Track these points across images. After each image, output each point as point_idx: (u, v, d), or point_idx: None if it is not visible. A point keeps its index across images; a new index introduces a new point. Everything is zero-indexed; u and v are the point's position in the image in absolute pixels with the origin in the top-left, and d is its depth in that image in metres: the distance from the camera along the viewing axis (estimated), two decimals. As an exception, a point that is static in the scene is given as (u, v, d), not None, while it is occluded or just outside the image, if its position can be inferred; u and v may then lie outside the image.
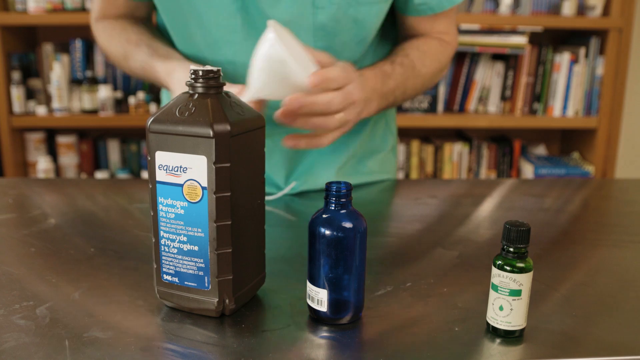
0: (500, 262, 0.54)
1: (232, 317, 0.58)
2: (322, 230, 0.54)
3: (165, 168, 0.55)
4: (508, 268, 0.53)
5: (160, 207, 0.56)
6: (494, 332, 0.55)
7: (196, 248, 0.55)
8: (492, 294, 0.54)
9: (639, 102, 2.57)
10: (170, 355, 0.51)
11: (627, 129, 2.52)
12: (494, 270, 0.54)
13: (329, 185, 0.55)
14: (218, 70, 0.56)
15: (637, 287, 0.67)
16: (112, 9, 0.97)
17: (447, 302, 0.61)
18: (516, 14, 2.34)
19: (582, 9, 2.35)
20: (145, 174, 2.48)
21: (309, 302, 0.57)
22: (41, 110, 2.29)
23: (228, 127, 0.53)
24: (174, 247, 0.56)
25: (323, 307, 0.56)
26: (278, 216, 0.90)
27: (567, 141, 2.66)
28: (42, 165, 2.34)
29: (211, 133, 0.52)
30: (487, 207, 0.98)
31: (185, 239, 0.55)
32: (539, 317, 0.58)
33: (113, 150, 2.49)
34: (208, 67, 0.55)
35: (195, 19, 0.85)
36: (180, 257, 0.56)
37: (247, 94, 0.74)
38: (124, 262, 0.71)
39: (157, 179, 0.55)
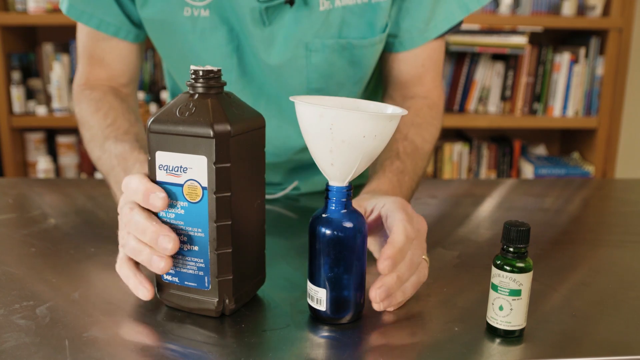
0: (500, 262, 0.54)
1: (232, 317, 0.58)
2: (323, 229, 0.54)
3: (165, 168, 0.55)
4: (508, 268, 0.53)
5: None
6: (494, 332, 0.55)
7: (196, 248, 0.55)
8: (492, 293, 0.54)
9: (639, 102, 2.57)
10: (170, 355, 0.51)
11: (627, 129, 2.52)
12: (494, 270, 0.54)
13: (329, 185, 0.55)
14: (218, 71, 0.56)
15: (637, 287, 0.67)
16: (98, 71, 0.89)
17: (447, 302, 0.61)
18: (516, 14, 2.34)
19: (582, 9, 2.35)
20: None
21: (309, 301, 0.57)
22: (41, 110, 2.29)
23: (228, 127, 0.53)
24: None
25: (322, 307, 0.56)
26: (278, 216, 0.90)
27: (567, 141, 2.66)
28: (42, 165, 2.34)
29: (211, 133, 0.52)
30: (487, 207, 0.98)
31: (185, 239, 0.55)
32: (538, 317, 0.58)
33: (113, 150, 2.49)
34: (208, 67, 0.55)
35: (193, 59, 0.84)
36: (180, 257, 0.56)
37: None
38: (124, 262, 0.70)
39: (158, 179, 0.55)
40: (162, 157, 0.54)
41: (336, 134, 0.51)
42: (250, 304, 0.60)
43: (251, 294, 0.61)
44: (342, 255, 0.55)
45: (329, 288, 0.55)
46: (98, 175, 2.45)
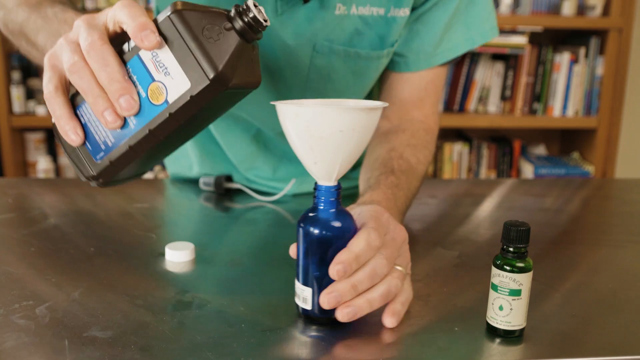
0: (500, 261, 0.54)
1: (232, 317, 0.58)
2: (311, 229, 0.54)
3: (154, 55, 0.52)
4: (508, 268, 0.53)
5: (127, 70, 0.53)
6: (494, 332, 0.55)
7: (119, 129, 0.54)
8: (492, 293, 0.54)
9: (639, 102, 2.57)
10: (170, 356, 0.51)
11: (627, 129, 2.52)
12: (494, 270, 0.54)
13: (317, 184, 0.55)
14: (266, 26, 0.54)
15: (637, 287, 0.67)
16: None
17: (447, 302, 0.61)
18: (516, 14, 2.34)
19: (582, 9, 2.35)
20: (145, 174, 2.48)
21: (297, 300, 0.57)
22: (41, 110, 2.29)
23: (228, 82, 0.51)
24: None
25: (308, 305, 0.56)
26: (277, 217, 0.90)
27: (567, 141, 2.66)
28: (42, 165, 2.34)
29: (211, 76, 0.50)
30: (487, 207, 0.98)
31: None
32: (539, 317, 0.58)
33: (113, 150, 2.49)
34: (262, 15, 0.53)
35: None
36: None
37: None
38: (124, 262, 0.71)
39: (141, 53, 0.52)
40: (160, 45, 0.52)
41: (314, 132, 0.52)
42: (250, 304, 0.60)
43: (128, 181, 0.61)
44: (331, 255, 0.55)
45: (316, 287, 0.55)
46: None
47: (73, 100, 0.56)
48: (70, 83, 0.55)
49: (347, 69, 0.84)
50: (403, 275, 0.57)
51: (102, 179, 0.56)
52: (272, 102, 0.54)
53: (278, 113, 0.54)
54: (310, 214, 0.55)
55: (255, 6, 0.53)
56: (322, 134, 0.52)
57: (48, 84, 0.54)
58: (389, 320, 0.55)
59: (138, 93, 0.52)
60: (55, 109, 0.54)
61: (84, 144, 0.55)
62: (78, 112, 0.55)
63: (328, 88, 0.86)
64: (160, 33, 0.51)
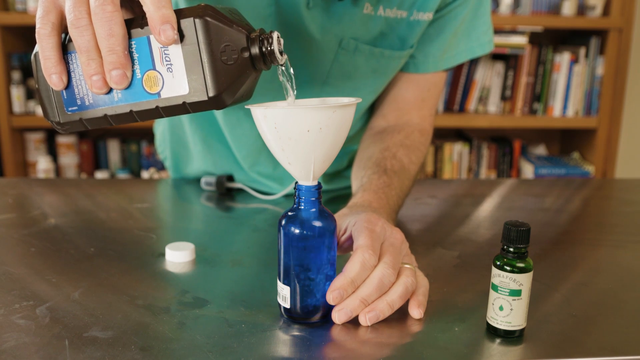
0: (500, 262, 0.54)
1: (232, 317, 0.58)
2: (290, 228, 0.55)
3: (164, 48, 0.51)
4: (508, 268, 0.53)
5: (130, 44, 0.52)
6: (494, 332, 0.55)
7: (103, 95, 0.52)
8: (492, 294, 0.54)
9: (639, 102, 2.57)
10: (170, 356, 0.51)
11: (627, 129, 2.52)
12: (494, 270, 0.54)
13: (297, 184, 0.55)
14: (278, 64, 0.54)
15: (637, 287, 0.67)
16: None
17: (447, 302, 0.61)
18: (516, 14, 2.34)
19: (582, 9, 2.35)
20: (145, 174, 2.48)
21: (278, 299, 0.57)
22: (41, 110, 2.29)
23: (224, 105, 0.52)
24: (98, 74, 0.51)
25: (287, 304, 0.56)
26: (278, 216, 0.90)
27: (567, 141, 2.66)
28: (42, 165, 2.34)
29: (211, 95, 0.51)
30: (487, 207, 0.98)
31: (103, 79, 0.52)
32: (539, 317, 0.58)
33: (113, 150, 2.49)
34: (278, 51, 0.53)
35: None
36: (90, 81, 0.51)
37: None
38: (124, 262, 0.71)
39: (152, 37, 0.51)
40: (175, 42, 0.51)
41: (282, 132, 0.52)
42: (251, 304, 0.60)
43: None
44: (311, 255, 0.55)
45: (296, 287, 0.55)
46: (98, 175, 2.45)
47: (65, 43, 0.53)
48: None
49: (368, 67, 0.85)
50: (414, 271, 0.59)
51: (65, 128, 0.55)
52: (246, 106, 0.54)
53: (253, 117, 0.54)
54: (290, 213, 0.56)
55: (278, 37, 0.53)
56: (290, 134, 0.52)
57: (44, 19, 0.51)
58: (416, 312, 0.58)
59: (133, 72, 0.52)
60: (45, 48, 0.51)
61: (61, 94, 0.54)
62: (67, 57, 0.53)
63: (347, 85, 0.86)
64: (179, 29, 0.50)
